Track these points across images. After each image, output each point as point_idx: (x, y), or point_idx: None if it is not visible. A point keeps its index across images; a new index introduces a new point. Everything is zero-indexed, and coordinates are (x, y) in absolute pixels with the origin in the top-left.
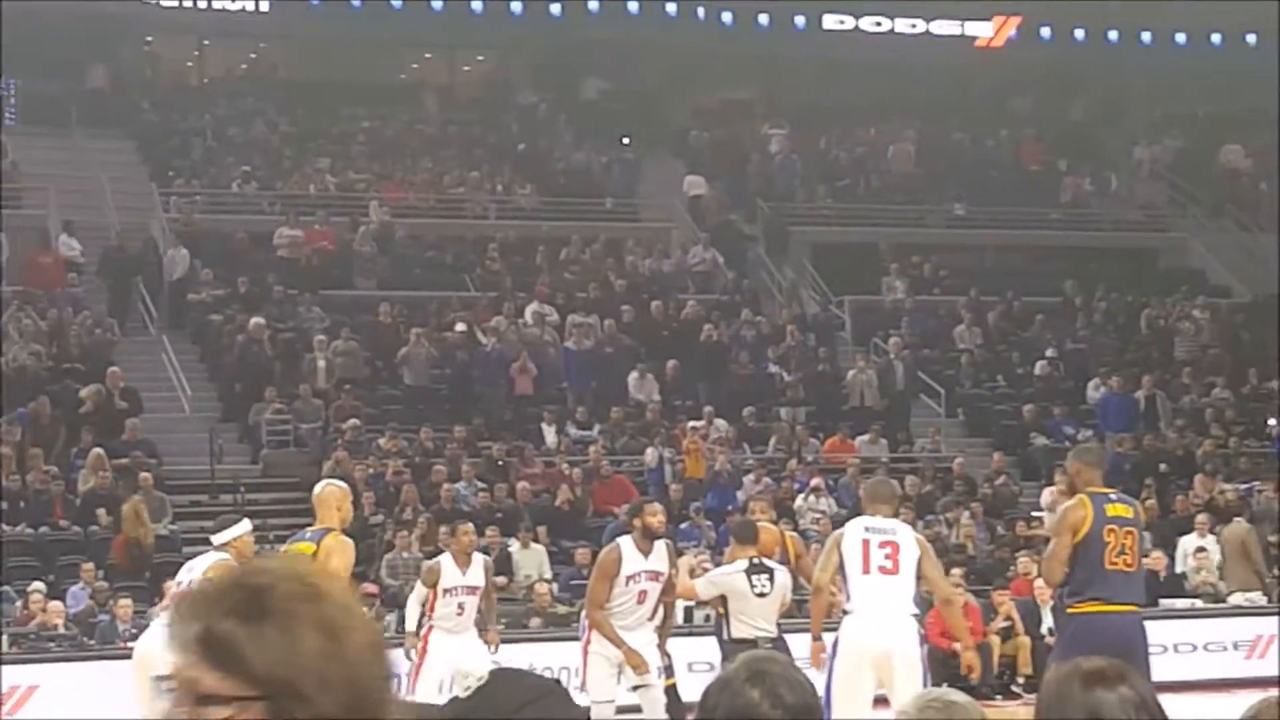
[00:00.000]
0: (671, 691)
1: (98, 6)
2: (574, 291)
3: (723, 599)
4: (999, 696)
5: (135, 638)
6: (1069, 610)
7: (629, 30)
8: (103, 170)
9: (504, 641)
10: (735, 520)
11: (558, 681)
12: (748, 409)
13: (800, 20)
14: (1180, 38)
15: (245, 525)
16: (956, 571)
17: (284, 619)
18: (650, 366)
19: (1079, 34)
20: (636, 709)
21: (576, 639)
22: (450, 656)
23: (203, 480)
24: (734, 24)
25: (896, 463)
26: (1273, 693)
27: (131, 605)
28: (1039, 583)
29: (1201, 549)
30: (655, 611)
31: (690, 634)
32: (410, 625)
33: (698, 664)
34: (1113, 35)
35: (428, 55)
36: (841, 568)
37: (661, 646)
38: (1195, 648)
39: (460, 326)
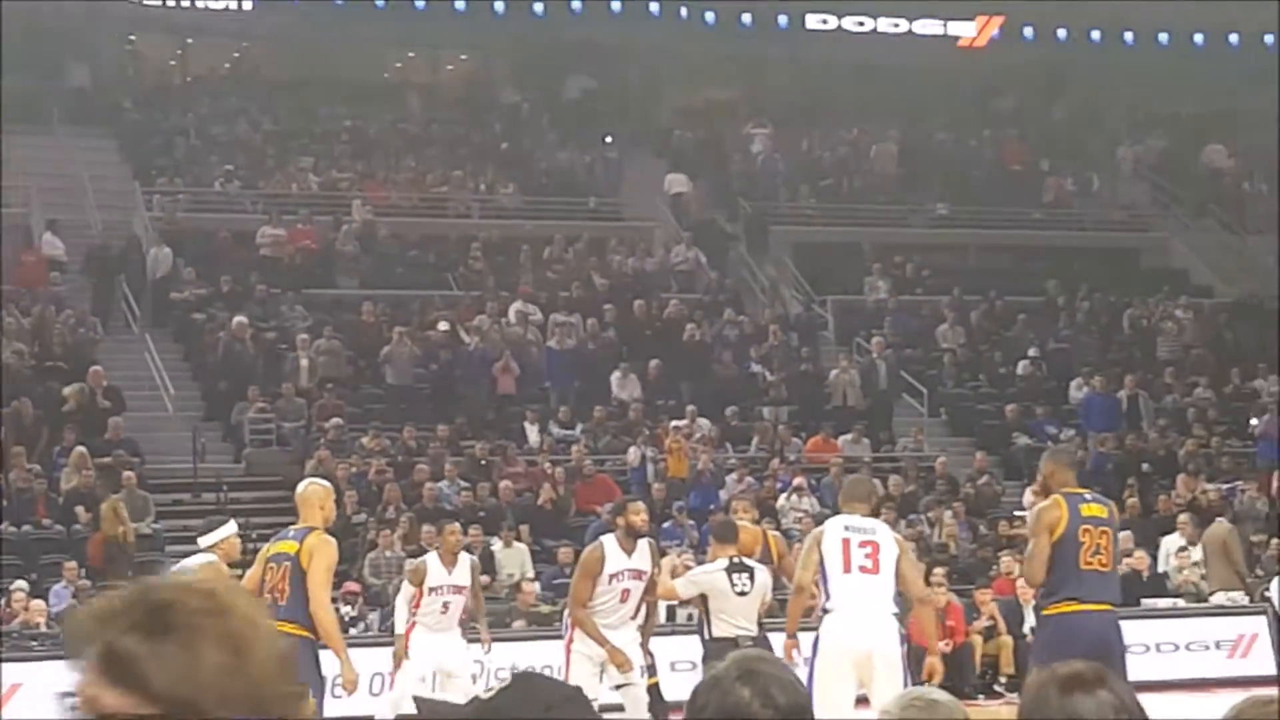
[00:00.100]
0: (654, 690)
1: (80, 5)
2: (557, 291)
3: (703, 598)
4: (981, 696)
5: None
6: (1045, 611)
7: (611, 30)
8: (85, 169)
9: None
10: (715, 519)
11: (578, 689)
12: (730, 408)
13: (783, 20)
14: (1163, 37)
15: (231, 527)
16: (939, 571)
17: (186, 635)
18: (633, 366)
19: (1061, 34)
20: (619, 708)
21: (559, 638)
22: (433, 655)
23: (185, 479)
24: (716, 24)
25: (879, 462)
26: (1255, 692)
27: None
28: (1021, 582)
29: (1183, 549)
30: (638, 610)
31: (673, 633)
32: (400, 628)
33: (680, 663)
34: (1095, 35)
35: (411, 54)
36: (821, 567)
37: (644, 645)
38: (1177, 647)
39: (443, 326)
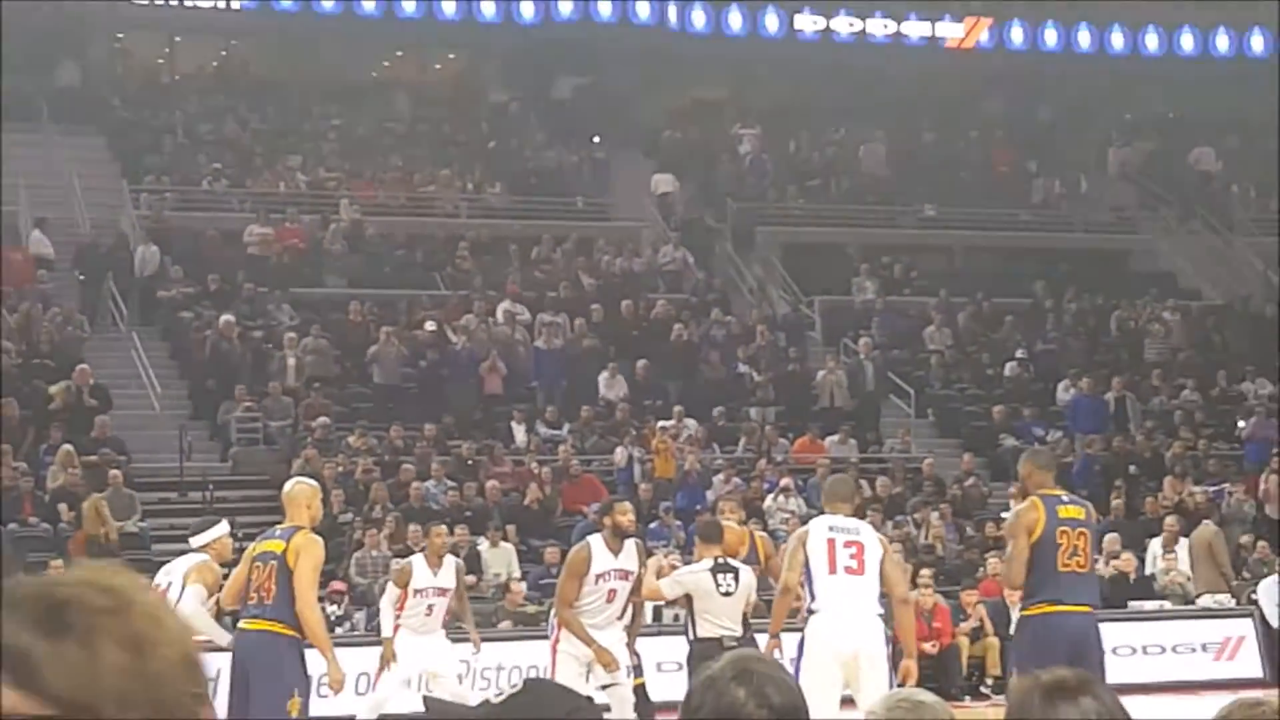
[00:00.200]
0: (640, 691)
1: (69, 4)
2: (544, 290)
3: (688, 598)
4: (968, 698)
5: None
6: (1023, 612)
7: (600, 30)
8: (73, 167)
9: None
10: (701, 520)
11: (589, 698)
12: (717, 409)
13: (771, 21)
14: (1151, 40)
15: (224, 527)
16: (926, 572)
17: (85, 634)
18: (620, 366)
19: (1050, 36)
20: (605, 708)
21: (545, 638)
22: (418, 656)
23: (172, 478)
24: (705, 24)
25: (866, 463)
26: (1244, 694)
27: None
28: None
29: (1171, 551)
30: (624, 611)
31: (659, 634)
32: (386, 631)
33: (666, 664)
34: (1083, 38)
35: (399, 54)
36: (806, 568)
37: (630, 646)
38: (1164, 649)
39: (430, 325)
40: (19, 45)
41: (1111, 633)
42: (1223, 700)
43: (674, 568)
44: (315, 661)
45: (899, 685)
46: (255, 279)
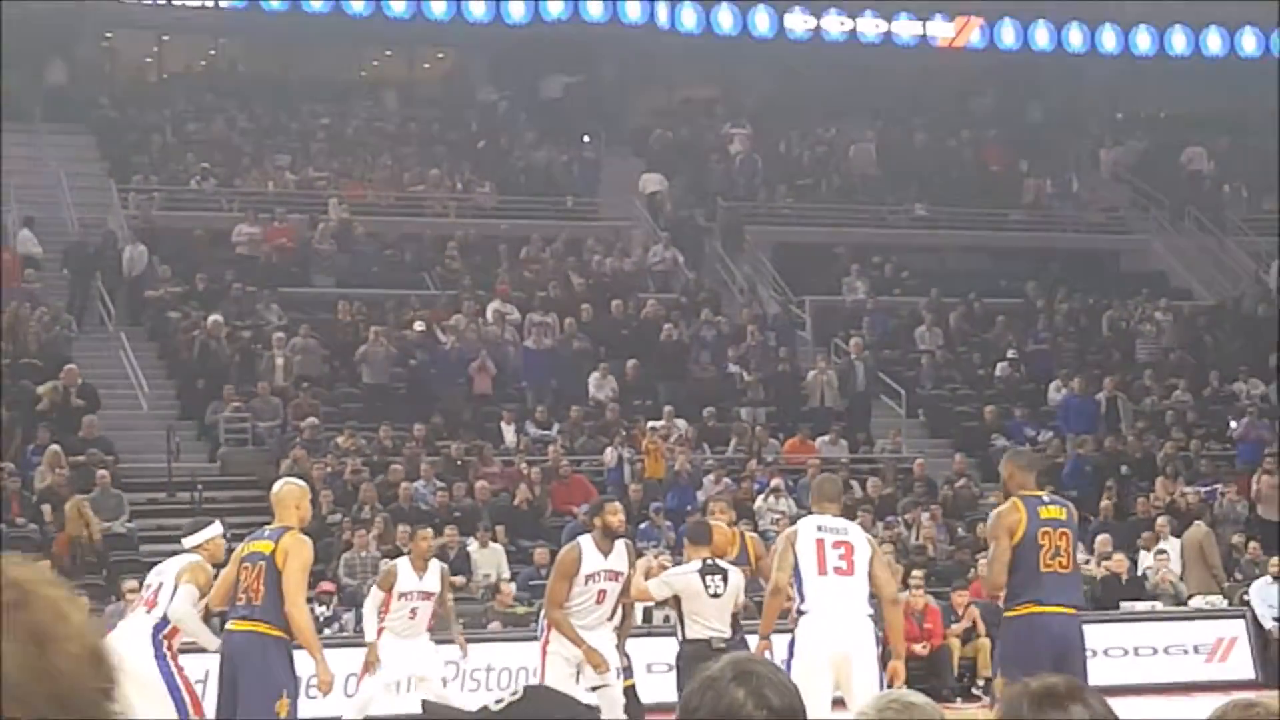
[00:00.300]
0: (630, 692)
1: (57, 3)
2: (534, 290)
3: (677, 599)
4: (959, 699)
5: None
6: (1007, 614)
7: (589, 29)
8: (61, 166)
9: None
10: (690, 521)
11: (590, 708)
12: (708, 409)
13: (762, 20)
14: (1142, 39)
15: (217, 528)
16: (917, 573)
17: None
18: (610, 366)
19: (1041, 36)
20: (595, 709)
21: (535, 639)
22: (402, 660)
23: (160, 478)
24: (695, 23)
25: (857, 464)
26: (1237, 695)
27: (88, 603)
28: None
29: (1162, 551)
30: (614, 611)
31: (649, 635)
32: (369, 635)
33: (657, 665)
34: (1074, 37)
35: (388, 52)
36: (795, 568)
37: (620, 647)
38: (1156, 651)
39: (419, 325)
40: (7, 43)
41: (1103, 634)
42: (1215, 702)
43: (664, 568)
44: (304, 662)
45: (888, 686)
46: (244, 278)
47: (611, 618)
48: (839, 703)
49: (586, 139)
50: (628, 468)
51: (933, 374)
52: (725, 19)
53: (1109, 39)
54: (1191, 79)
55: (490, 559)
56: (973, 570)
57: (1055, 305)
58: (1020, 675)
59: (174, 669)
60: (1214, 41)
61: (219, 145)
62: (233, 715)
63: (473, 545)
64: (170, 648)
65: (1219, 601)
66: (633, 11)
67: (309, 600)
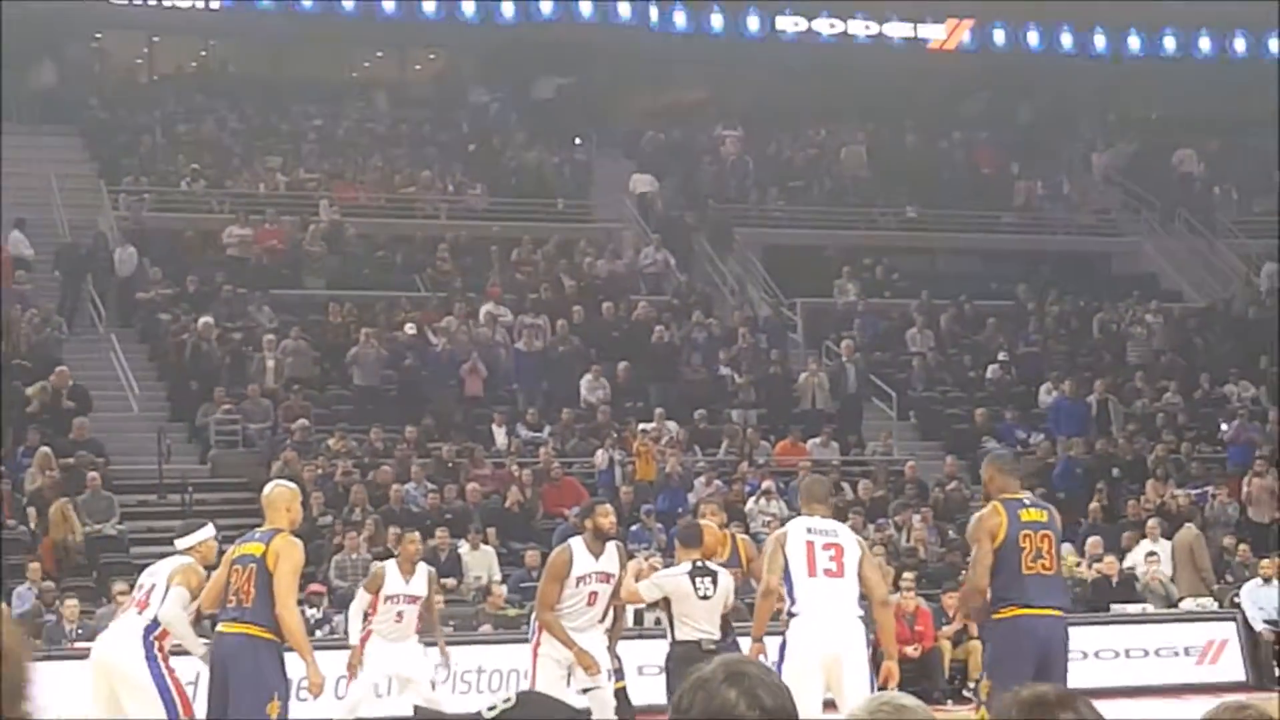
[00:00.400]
0: (621, 694)
1: (46, 4)
2: (525, 292)
3: (666, 601)
4: (950, 701)
5: (82, 638)
6: (993, 616)
7: (581, 30)
8: (51, 168)
9: (453, 643)
10: (681, 523)
11: (585, 711)
12: (699, 411)
13: (753, 22)
14: (1134, 42)
15: (210, 530)
16: (908, 576)
17: None
18: (601, 368)
19: (1032, 37)
20: (586, 712)
21: (526, 641)
22: (388, 663)
23: (150, 480)
24: (686, 25)
25: (848, 466)
26: (1228, 698)
27: (78, 605)
28: None
29: (1152, 553)
30: (605, 614)
31: (640, 637)
32: (354, 638)
33: (648, 667)
34: (1066, 39)
35: (379, 53)
36: (786, 570)
37: (611, 649)
38: (1147, 653)
39: (410, 327)
40: None
41: (1094, 636)
42: (1206, 704)
43: (654, 570)
44: (295, 665)
45: (880, 688)
46: (234, 280)
47: (603, 620)
48: (830, 705)
49: (578, 140)
50: (619, 470)
51: (924, 376)
52: (716, 20)
53: (1100, 41)
54: (1182, 81)
55: (481, 561)
56: (964, 572)
57: (1046, 307)
58: (1007, 678)
59: (165, 670)
60: (1205, 44)
61: (209, 146)
62: (224, 717)
63: (464, 547)
64: (161, 649)
65: (1210, 604)
66: (624, 12)
67: (300, 602)
